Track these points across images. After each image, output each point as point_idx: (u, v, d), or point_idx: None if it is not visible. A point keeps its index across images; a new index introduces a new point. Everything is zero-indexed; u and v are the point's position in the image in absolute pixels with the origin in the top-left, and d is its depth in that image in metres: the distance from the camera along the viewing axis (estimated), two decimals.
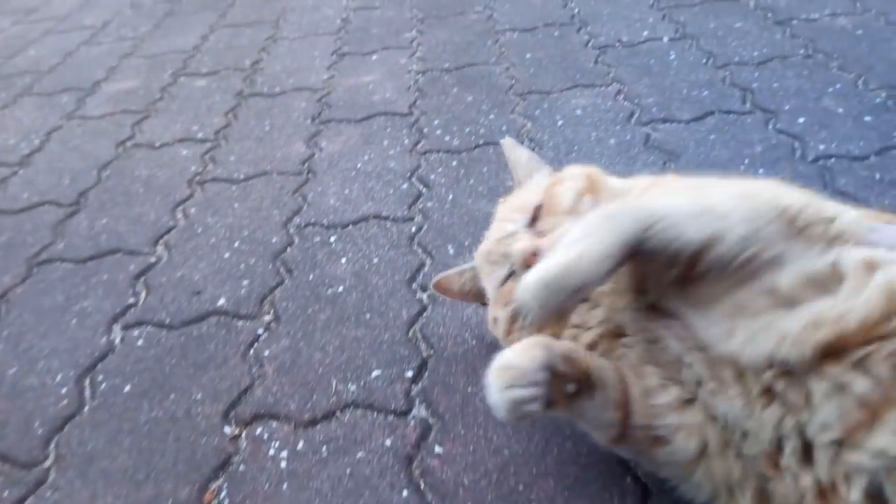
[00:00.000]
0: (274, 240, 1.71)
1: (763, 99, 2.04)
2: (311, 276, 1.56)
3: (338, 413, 1.20)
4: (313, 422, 1.19)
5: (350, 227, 1.73)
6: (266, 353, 1.36)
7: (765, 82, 2.13)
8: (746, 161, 1.79)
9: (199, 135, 2.30)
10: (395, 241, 1.65)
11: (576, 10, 2.92)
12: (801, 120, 1.92)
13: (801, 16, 2.54)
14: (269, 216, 1.82)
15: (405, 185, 1.88)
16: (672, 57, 2.40)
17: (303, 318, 1.44)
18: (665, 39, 2.54)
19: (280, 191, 1.93)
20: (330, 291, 1.51)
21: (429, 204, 1.79)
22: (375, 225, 1.72)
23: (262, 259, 1.64)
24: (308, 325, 1.41)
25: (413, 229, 1.69)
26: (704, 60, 2.34)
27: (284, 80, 2.66)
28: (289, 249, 1.67)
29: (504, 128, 2.12)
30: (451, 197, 1.82)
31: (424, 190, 1.85)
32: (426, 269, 1.54)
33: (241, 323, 1.44)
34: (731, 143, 1.87)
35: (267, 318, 1.45)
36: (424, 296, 1.46)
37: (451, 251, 1.60)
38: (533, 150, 1.90)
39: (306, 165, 2.04)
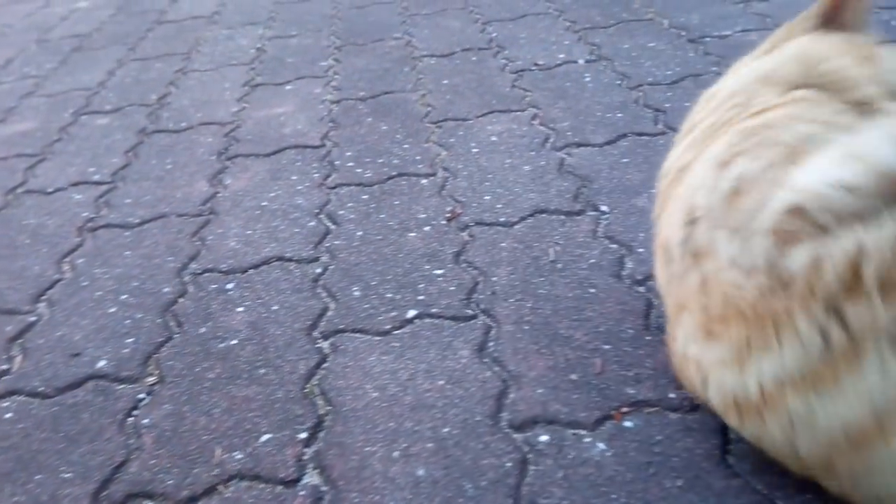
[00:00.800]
0: (166, 290, 1.59)
1: (675, 119, 2.03)
2: (202, 329, 1.44)
3: (220, 487, 1.08)
4: (192, 499, 1.07)
5: (250, 271, 1.62)
6: (146, 420, 1.23)
7: (677, 102, 2.12)
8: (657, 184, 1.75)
9: (96, 177, 2.16)
10: (298, 285, 1.55)
11: (493, 35, 2.89)
12: None
13: (714, 33, 2.56)
14: (163, 264, 1.69)
15: (312, 223, 1.78)
16: (587, 79, 2.38)
17: (190, 378, 1.32)
18: (581, 62, 2.52)
19: (177, 234, 1.81)
20: (222, 345, 1.39)
21: (336, 242, 1.69)
22: (278, 268, 1.62)
23: (151, 313, 1.52)
24: (195, 386, 1.30)
25: (318, 270, 1.59)
26: (619, 82, 2.32)
27: (192, 114, 2.53)
28: (181, 300, 1.55)
29: (418, 157, 2.05)
30: (359, 234, 1.73)
31: (332, 227, 1.76)
32: (329, 313, 1.45)
33: (121, 387, 1.31)
34: (644, 166, 1.84)
35: (150, 380, 1.33)
36: (325, 344, 1.36)
37: (357, 293, 1.50)
38: (447, 179, 1.84)
39: (208, 205, 1.93)
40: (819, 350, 0.66)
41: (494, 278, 1.51)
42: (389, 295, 1.49)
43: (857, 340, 0.63)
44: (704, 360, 0.86)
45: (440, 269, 1.56)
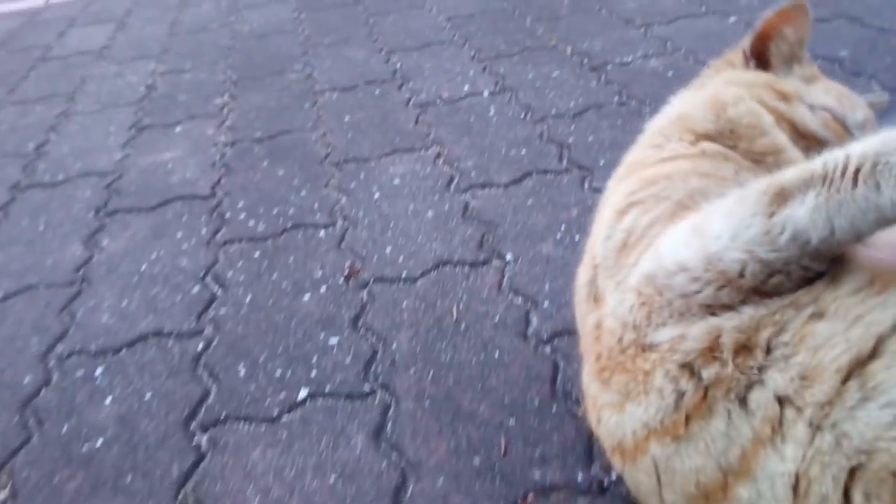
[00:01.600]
0: (26, 380, 1.41)
1: (579, 155, 1.98)
2: (65, 428, 1.28)
3: None
4: None
5: (123, 351, 1.46)
6: None
7: (581, 136, 2.08)
8: (563, 227, 1.69)
9: None
10: (176, 366, 1.40)
11: (398, 66, 2.80)
12: None
13: (616, 59, 2.55)
14: (26, 347, 1.50)
15: (196, 289, 1.63)
16: (492, 113, 2.32)
17: (47, 491, 1.15)
18: (485, 94, 2.45)
19: (45, 310, 1.62)
20: (86, 448, 1.23)
21: (222, 311, 1.55)
22: (154, 346, 1.46)
23: (8, 410, 1.34)
24: (52, 501, 1.13)
25: (200, 347, 1.45)
26: (523, 115, 2.27)
27: (70, 164, 2.33)
28: (43, 391, 1.37)
29: (316, 205, 1.93)
30: (249, 298, 1.59)
31: (219, 292, 1.61)
32: (210, 400, 1.30)
33: None
34: (549, 208, 1.77)
35: (1, 495, 1.15)
36: (203, 439, 1.22)
37: (243, 372, 1.37)
38: (346, 229, 1.72)
39: (81, 273, 1.74)
40: (674, 401, 0.68)
41: (394, 345, 1.40)
42: (279, 372, 1.36)
43: (709, 396, 0.65)
44: (599, 399, 0.82)
45: (336, 336, 1.45)
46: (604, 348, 0.80)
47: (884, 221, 0.57)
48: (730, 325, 0.66)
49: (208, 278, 1.67)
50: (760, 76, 0.88)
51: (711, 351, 0.66)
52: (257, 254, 1.76)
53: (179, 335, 1.49)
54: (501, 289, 1.53)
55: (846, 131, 0.84)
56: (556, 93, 2.38)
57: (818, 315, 0.62)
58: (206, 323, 1.52)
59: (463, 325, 1.44)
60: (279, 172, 2.12)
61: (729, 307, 0.67)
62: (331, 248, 1.74)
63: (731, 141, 0.84)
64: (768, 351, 0.63)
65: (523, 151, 2.06)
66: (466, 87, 2.53)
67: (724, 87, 0.88)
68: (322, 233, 1.80)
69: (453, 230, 1.75)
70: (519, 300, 1.49)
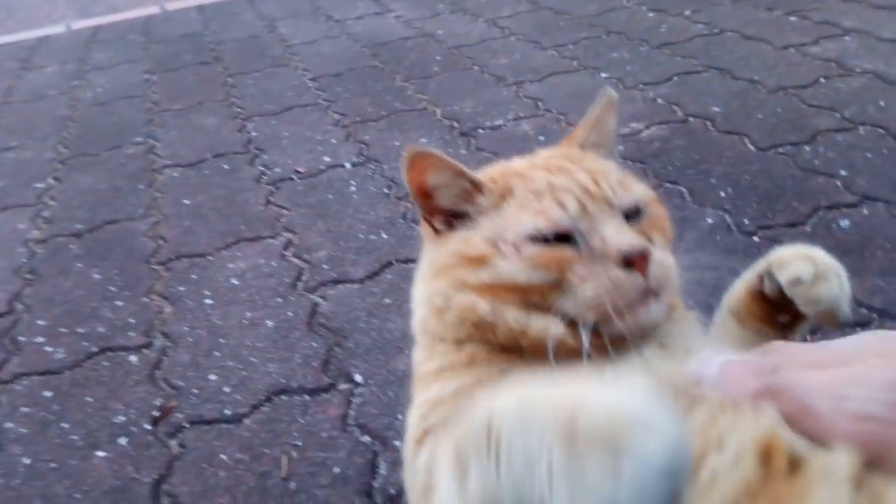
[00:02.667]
0: None
1: None
2: None
3: None
4: None
5: None
6: None
7: None
8: None
9: None
10: None
11: (253, 134, 2.52)
12: None
13: (486, 123, 2.37)
14: None
15: None
16: (353, 189, 2.07)
17: None
18: (347, 165, 2.21)
19: None
20: None
21: None
22: None
23: None
24: None
25: None
26: (386, 190, 2.03)
27: None
28: None
29: (132, 319, 1.60)
30: (27, 462, 1.25)
31: None
32: None
33: None
34: (407, 309, 1.52)
35: None
36: None
37: None
38: (164, 350, 1.41)
39: None
40: None
41: None
42: None
43: None
44: None
45: None
46: None
47: None
48: None
49: None
50: (448, 250, 0.66)
51: None
52: (49, 394, 1.41)
53: None
54: (346, 424, 1.26)
55: (575, 243, 0.60)
56: None
57: None
58: None
59: (293, 485, 1.15)
60: (94, 276, 1.78)
61: None
62: (142, 380, 1.42)
63: (485, 335, 0.63)
64: None
65: (384, 236, 1.82)
66: (327, 159, 2.28)
67: (431, 282, 0.68)
68: (134, 358, 1.48)
69: (295, 345, 1.47)
70: (366, 439, 1.23)
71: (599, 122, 0.75)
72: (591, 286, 0.58)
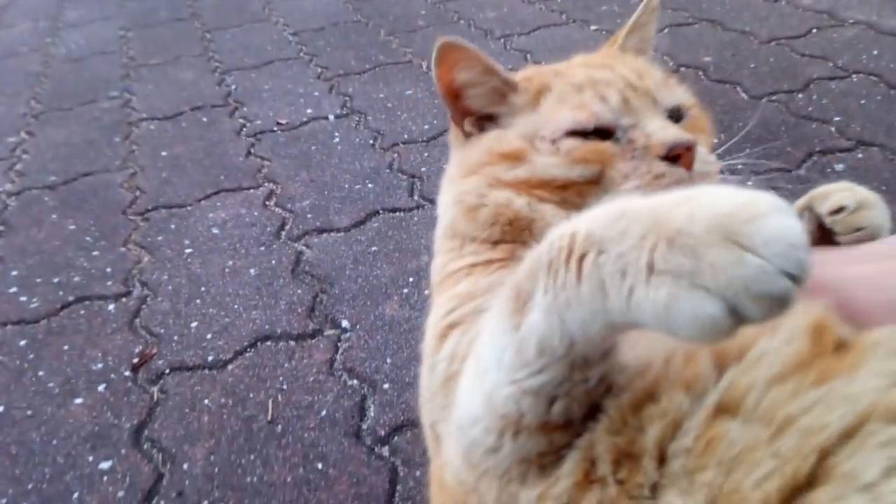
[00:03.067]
0: None
1: (432, 188, 1.71)
2: None
3: None
4: None
5: None
6: None
7: (434, 165, 1.81)
8: (411, 279, 1.40)
9: None
10: None
11: (232, 87, 2.44)
12: None
13: None
14: None
15: None
16: (336, 139, 2.01)
17: None
18: (331, 117, 2.15)
19: None
20: None
21: None
22: None
23: None
24: None
25: None
26: (372, 140, 1.98)
27: None
28: None
29: (109, 269, 1.55)
30: (0, 410, 1.20)
31: None
32: None
33: None
34: (395, 255, 1.48)
35: None
36: None
37: None
38: (144, 299, 1.36)
39: None
40: None
41: (186, 465, 1.06)
42: None
43: None
44: None
45: (109, 460, 1.09)
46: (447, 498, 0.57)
47: (622, 327, 0.36)
48: (601, 428, 0.44)
49: None
50: (481, 148, 0.63)
51: (587, 476, 0.44)
52: (23, 343, 1.36)
53: None
54: (333, 368, 1.23)
55: (615, 138, 0.57)
56: (409, 115, 2.10)
57: (727, 409, 0.41)
58: None
59: (279, 428, 1.12)
60: (69, 227, 1.72)
61: (572, 429, 0.45)
62: (120, 328, 1.37)
63: (521, 235, 0.60)
64: (661, 460, 0.42)
65: (370, 185, 1.77)
66: (309, 111, 2.21)
67: (462, 182, 0.64)
68: (112, 306, 1.43)
69: (279, 292, 1.43)
70: (353, 382, 1.19)
71: (641, 27, 0.73)
72: (633, 182, 0.55)
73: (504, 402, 0.43)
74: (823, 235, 0.63)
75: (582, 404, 0.44)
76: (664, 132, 0.56)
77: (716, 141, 1.65)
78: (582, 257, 0.36)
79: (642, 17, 0.71)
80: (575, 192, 0.57)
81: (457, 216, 0.62)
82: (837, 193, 0.62)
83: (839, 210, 0.61)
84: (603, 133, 0.58)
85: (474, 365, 0.47)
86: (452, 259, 0.64)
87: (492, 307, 0.45)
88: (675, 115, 0.61)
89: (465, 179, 0.63)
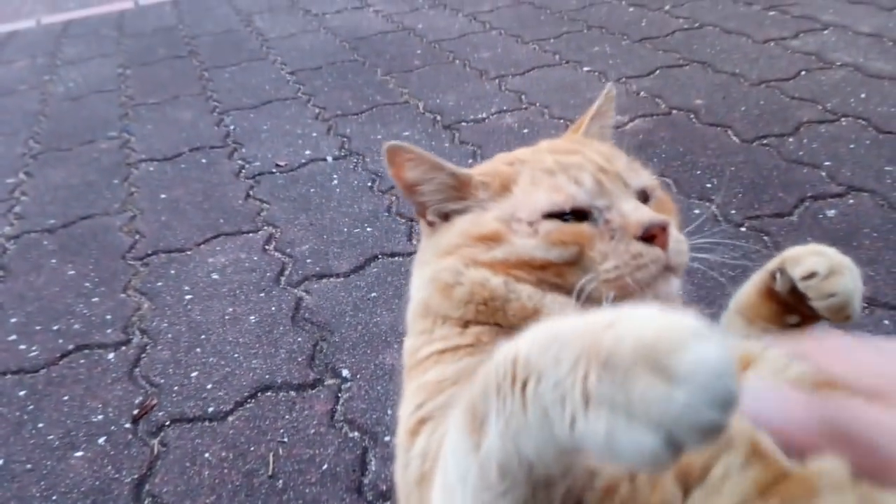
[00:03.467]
0: None
1: None
2: None
3: None
4: None
5: None
6: None
7: None
8: None
9: None
10: None
11: (231, 128, 2.47)
12: None
13: (469, 117, 2.34)
14: None
15: None
16: (335, 182, 2.03)
17: None
18: (329, 159, 2.17)
19: None
20: None
21: None
22: None
23: None
24: None
25: None
26: (370, 183, 2.00)
27: None
28: None
29: (109, 316, 1.55)
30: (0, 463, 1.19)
31: None
32: None
33: None
34: (394, 302, 1.50)
35: None
36: None
37: None
38: (144, 348, 1.36)
39: None
40: None
41: None
42: None
43: None
44: None
45: None
46: None
47: (574, 453, 0.36)
48: None
49: None
50: (456, 231, 0.65)
51: None
52: (22, 393, 1.36)
53: None
54: (334, 420, 1.23)
55: (592, 220, 0.59)
56: None
57: None
58: None
59: (280, 483, 1.12)
60: (69, 273, 1.72)
61: None
62: (120, 378, 1.37)
63: (493, 316, 0.61)
64: None
65: (368, 229, 1.79)
66: (308, 152, 2.24)
67: (437, 262, 0.65)
68: (111, 355, 1.43)
69: (279, 340, 1.43)
70: (355, 435, 1.20)
71: (601, 115, 0.75)
72: (612, 262, 0.57)
73: None
74: (797, 299, 0.65)
75: None
76: (639, 213, 0.58)
77: (709, 186, 1.67)
78: (524, 384, 0.36)
79: (603, 106, 0.74)
80: (553, 273, 0.59)
81: (432, 294, 0.64)
82: (809, 258, 0.63)
83: (811, 276, 0.62)
84: (579, 215, 0.59)
85: (442, 478, 0.47)
86: (424, 344, 0.65)
87: (453, 417, 0.45)
88: (643, 197, 0.64)
89: (440, 260, 0.64)
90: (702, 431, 0.29)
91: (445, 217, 0.67)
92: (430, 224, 0.68)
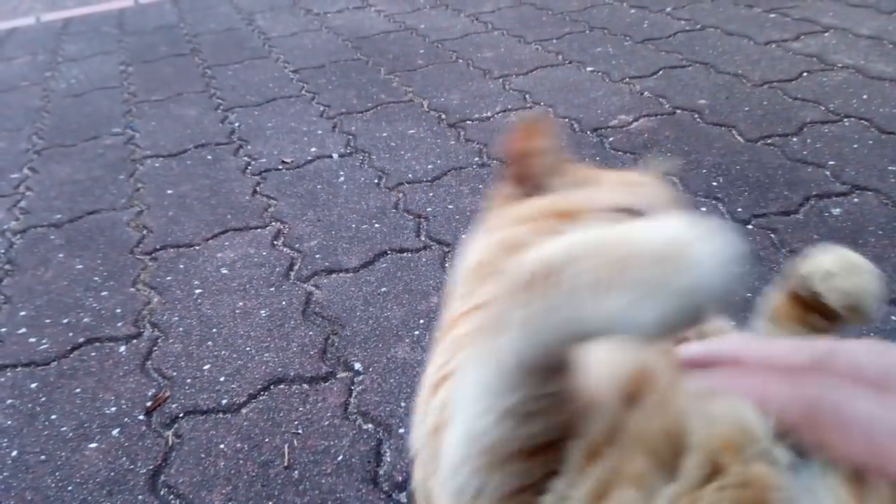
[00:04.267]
0: None
1: (438, 228, 1.74)
2: None
3: None
4: None
5: None
6: None
7: (440, 204, 1.84)
8: (421, 321, 1.42)
9: None
10: None
11: (236, 125, 2.47)
12: None
13: (474, 115, 2.36)
14: None
15: None
16: (341, 178, 2.04)
17: None
18: (335, 156, 2.18)
19: None
20: None
21: None
22: None
23: None
24: None
25: None
26: (377, 180, 2.01)
27: None
28: None
29: (119, 310, 1.55)
30: (14, 454, 1.20)
31: None
32: None
33: None
34: (405, 297, 1.50)
35: None
36: None
37: None
38: (155, 341, 1.37)
39: None
40: None
41: None
42: None
43: None
44: None
45: None
46: None
47: (590, 334, 0.40)
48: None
49: None
50: (538, 204, 0.69)
51: None
52: (34, 385, 1.36)
53: None
54: (348, 412, 1.23)
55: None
56: (412, 154, 2.14)
57: None
58: None
59: (296, 474, 1.12)
60: (77, 267, 1.72)
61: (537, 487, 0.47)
62: (132, 370, 1.37)
63: None
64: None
65: (376, 225, 1.79)
66: (314, 149, 2.24)
67: (510, 227, 0.69)
68: (123, 348, 1.44)
69: (290, 334, 1.44)
70: (369, 427, 1.20)
71: None
72: None
73: (485, 432, 0.46)
74: (818, 301, 0.67)
75: (557, 424, 0.47)
76: None
77: (715, 185, 1.69)
78: (547, 276, 0.40)
79: None
80: None
81: (496, 252, 0.67)
82: (827, 258, 0.66)
83: (828, 275, 0.65)
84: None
85: (455, 406, 0.50)
86: (463, 303, 0.68)
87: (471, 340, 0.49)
88: None
89: (507, 229, 0.68)
90: (711, 292, 0.34)
91: (528, 191, 0.71)
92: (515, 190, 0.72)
